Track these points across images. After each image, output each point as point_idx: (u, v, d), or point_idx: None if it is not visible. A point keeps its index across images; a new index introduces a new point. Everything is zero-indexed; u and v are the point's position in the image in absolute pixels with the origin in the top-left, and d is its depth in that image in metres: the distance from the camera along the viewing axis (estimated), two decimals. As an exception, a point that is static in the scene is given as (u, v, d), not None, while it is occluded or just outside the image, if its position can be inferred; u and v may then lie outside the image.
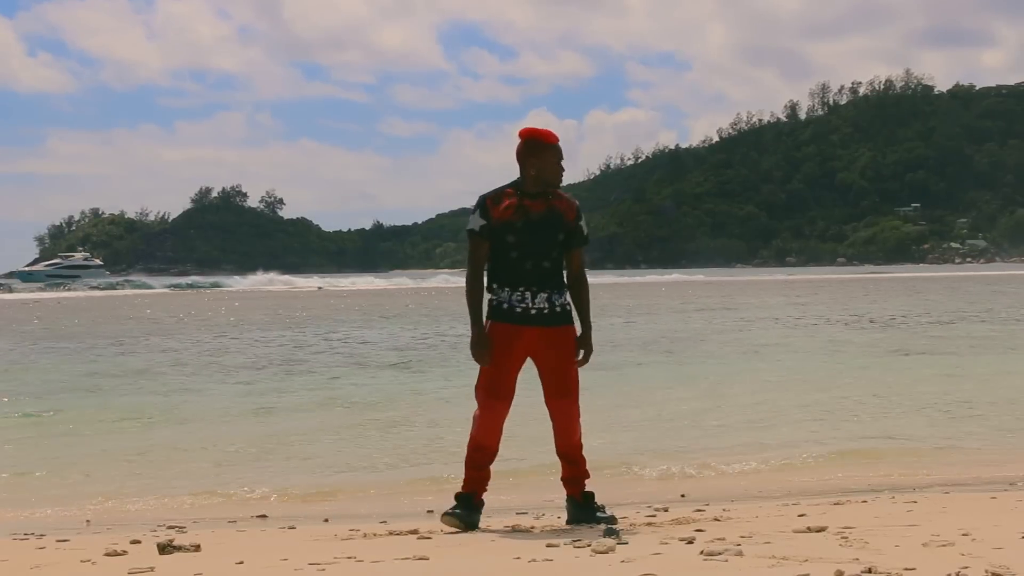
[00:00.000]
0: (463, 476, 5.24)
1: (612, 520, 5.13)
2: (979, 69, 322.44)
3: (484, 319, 5.16)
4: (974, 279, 69.59)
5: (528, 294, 5.07)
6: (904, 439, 9.19)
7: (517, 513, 5.98)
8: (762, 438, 9.33)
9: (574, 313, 5.22)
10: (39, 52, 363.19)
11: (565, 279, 5.18)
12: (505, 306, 5.08)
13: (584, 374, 5.23)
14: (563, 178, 5.19)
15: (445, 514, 5.16)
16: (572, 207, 5.17)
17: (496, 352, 5.07)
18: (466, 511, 5.16)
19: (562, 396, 5.13)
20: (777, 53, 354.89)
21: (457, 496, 5.22)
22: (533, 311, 5.07)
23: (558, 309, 5.12)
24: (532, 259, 5.06)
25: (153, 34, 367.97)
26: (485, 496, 5.28)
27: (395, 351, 19.63)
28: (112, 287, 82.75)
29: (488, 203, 5.12)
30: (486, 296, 5.18)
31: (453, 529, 5.09)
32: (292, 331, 26.43)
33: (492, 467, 5.26)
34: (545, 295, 5.08)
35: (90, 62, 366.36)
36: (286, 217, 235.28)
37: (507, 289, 5.08)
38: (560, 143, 5.16)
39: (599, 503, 5.29)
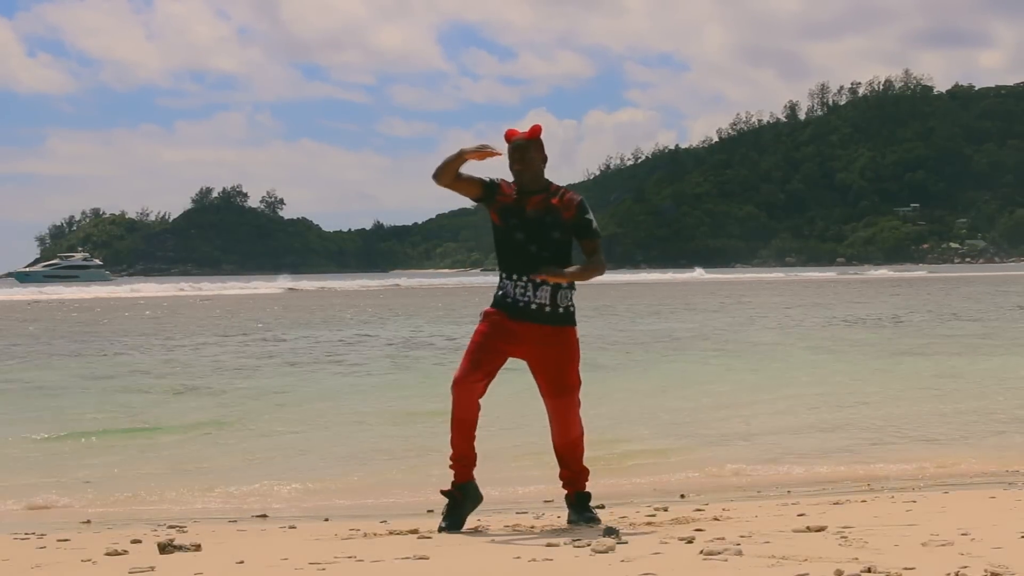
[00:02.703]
0: (452, 470, 5.14)
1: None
2: (978, 69, 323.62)
3: (488, 306, 5.15)
4: (980, 279, 69.54)
5: (530, 285, 5.04)
6: (904, 439, 9.20)
7: (517, 513, 5.98)
8: (762, 437, 9.33)
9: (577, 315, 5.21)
10: (39, 52, 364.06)
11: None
12: (509, 300, 5.07)
13: (583, 373, 5.22)
14: (521, 176, 5.10)
15: (442, 528, 5.07)
16: (571, 205, 5.12)
17: (491, 333, 5.04)
18: (456, 517, 5.08)
19: (560, 395, 5.12)
20: (776, 54, 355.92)
21: (445, 492, 5.13)
22: (534, 306, 5.04)
23: (560, 310, 5.09)
24: (534, 244, 5.04)
25: (152, 34, 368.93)
26: (484, 493, 5.27)
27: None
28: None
29: (500, 180, 5.17)
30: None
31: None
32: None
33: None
34: (547, 288, 5.03)
35: (90, 62, 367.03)
36: (286, 217, 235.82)
37: (513, 278, 5.06)
38: (521, 140, 5.11)
39: (599, 502, 5.29)
